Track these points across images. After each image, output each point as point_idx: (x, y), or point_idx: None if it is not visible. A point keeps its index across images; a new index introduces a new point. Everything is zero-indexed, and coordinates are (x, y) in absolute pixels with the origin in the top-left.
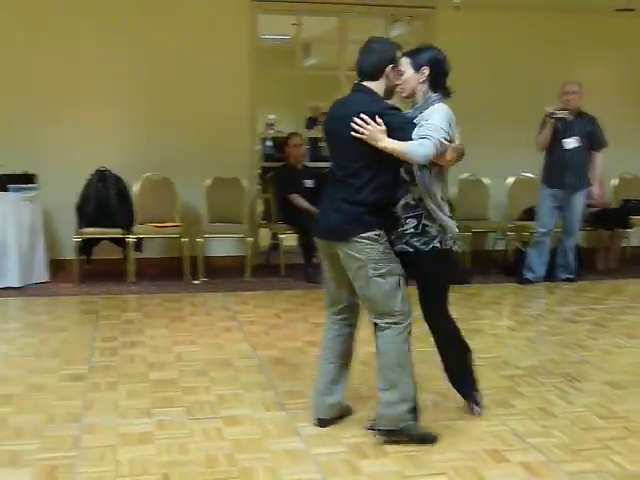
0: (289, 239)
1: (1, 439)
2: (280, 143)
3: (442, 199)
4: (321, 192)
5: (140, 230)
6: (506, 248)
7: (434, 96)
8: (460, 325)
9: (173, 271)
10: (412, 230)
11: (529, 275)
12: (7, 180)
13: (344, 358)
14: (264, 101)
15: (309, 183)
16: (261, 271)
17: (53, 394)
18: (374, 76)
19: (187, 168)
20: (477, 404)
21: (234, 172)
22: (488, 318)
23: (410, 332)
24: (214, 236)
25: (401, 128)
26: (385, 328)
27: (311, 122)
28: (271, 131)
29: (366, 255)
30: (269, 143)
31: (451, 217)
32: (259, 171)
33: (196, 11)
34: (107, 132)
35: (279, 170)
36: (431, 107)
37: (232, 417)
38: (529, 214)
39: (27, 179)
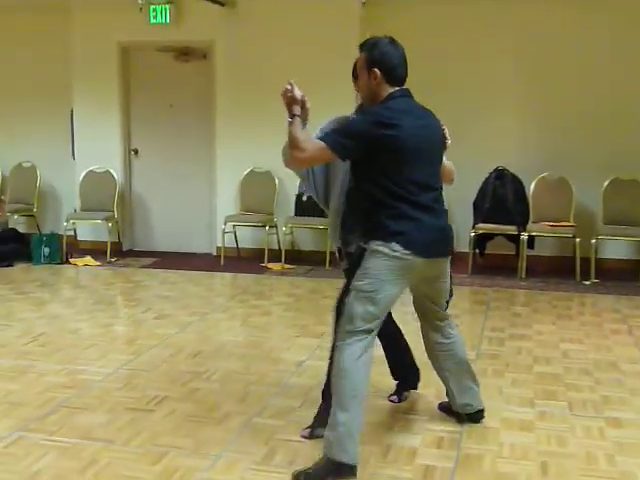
0: None
1: (397, 407)
2: None
3: None
4: None
5: (534, 228)
6: None
7: None
8: None
9: (563, 270)
10: None
11: None
12: None
13: None
14: None
15: None
16: None
17: None
18: None
19: (584, 168)
20: None
21: (633, 174)
22: None
23: None
24: (609, 238)
25: None
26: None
27: None
28: None
29: None
30: None
31: None
32: None
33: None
34: (507, 133)
35: None
36: None
37: (615, 419)
38: None
39: None
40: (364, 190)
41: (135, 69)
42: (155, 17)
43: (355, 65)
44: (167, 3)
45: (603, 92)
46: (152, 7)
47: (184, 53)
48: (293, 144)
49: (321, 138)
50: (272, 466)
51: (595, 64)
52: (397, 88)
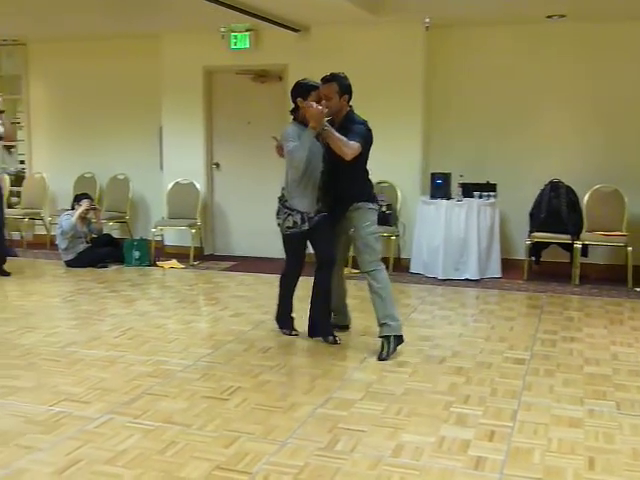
0: None
1: (451, 402)
2: None
3: None
4: None
5: (588, 237)
6: None
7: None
8: None
9: (616, 277)
10: None
11: None
12: (472, 188)
13: None
14: None
15: None
16: None
17: (497, 372)
18: None
19: (637, 181)
20: None
21: None
22: None
23: None
24: None
25: None
26: None
27: None
28: None
29: None
30: None
31: None
32: None
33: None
34: (560, 146)
35: None
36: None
37: None
38: None
39: (488, 187)
40: (353, 171)
41: (217, 90)
42: (236, 43)
43: (296, 89)
44: (247, 30)
45: None
46: (233, 34)
47: (261, 75)
48: (345, 145)
49: (356, 141)
50: (335, 452)
51: None
52: (349, 106)
